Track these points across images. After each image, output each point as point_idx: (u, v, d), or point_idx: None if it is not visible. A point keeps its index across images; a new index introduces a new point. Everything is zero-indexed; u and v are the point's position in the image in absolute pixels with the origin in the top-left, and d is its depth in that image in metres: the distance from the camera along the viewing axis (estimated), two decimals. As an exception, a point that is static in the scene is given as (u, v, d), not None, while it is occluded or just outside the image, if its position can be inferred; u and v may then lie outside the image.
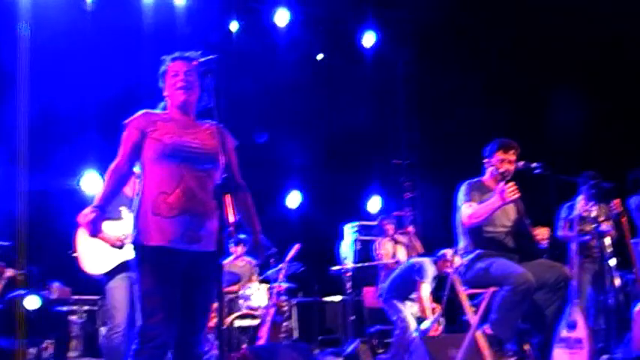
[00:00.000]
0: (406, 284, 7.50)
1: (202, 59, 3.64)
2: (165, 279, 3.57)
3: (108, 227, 4.88)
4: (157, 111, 3.86)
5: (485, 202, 5.27)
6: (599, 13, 9.58)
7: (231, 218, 3.23)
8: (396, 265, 8.90)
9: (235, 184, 3.74)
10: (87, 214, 3.58)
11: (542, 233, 5.42)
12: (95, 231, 3.63)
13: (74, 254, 5.30)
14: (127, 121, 3.76)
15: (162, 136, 3.66)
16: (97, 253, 5.11)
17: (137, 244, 3.63)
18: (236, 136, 3.95)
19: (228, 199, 3.24)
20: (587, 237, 7.34)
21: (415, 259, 7.85)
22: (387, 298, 7.66)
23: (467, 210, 5.38)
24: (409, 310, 7.56)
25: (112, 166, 3.72)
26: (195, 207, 3.60)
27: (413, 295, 7.56)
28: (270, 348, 6.55)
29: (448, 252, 7.18)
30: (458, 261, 5.95)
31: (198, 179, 3.64)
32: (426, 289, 7.38)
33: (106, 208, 3.71)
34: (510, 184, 5.10)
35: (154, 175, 3.65)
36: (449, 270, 7.11)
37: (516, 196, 5.06)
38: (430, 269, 7.40)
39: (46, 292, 8.01)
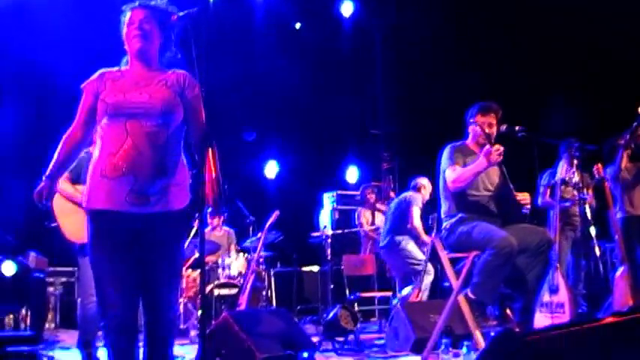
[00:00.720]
0: (402, 216, 8.09)
1: (181, 13, 3.51)
2: (114, 244, 3.39)
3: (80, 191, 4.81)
4: (117, 68, 3.66)
5: (471, 165, 5.22)
6: (599, 13, 9.56)
7: (213, 174, 3.10)
8: (376, 232, 9.01)
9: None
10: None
11: (524, 198, 5.39)
12: (41, 201, 3.53)
13: (53, 225, 5.18)
14: (83, 85, 3.60)
15: (106, 97, 3.48)
16: (77, 221, 4.99)
17: (86, 209, 3.47)
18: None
19: (210, 153, 3.11)
20: (569, 203, 7.35)
21: (401, 195, 8.51)
22: (390, 238, 8.07)
23: (451, 174, 5.32)
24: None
25: (67, 132, 3.59)
26: (142, 166, 3.37)
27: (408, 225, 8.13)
28: (251, 313, 6.48)
29: (420, 179, 8.31)
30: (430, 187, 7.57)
31: (148, 136, 3.40)
32: (416, 212, 8.09)
33: (57, 177, 3.61)
34: (497, 146, 5.05)
35: (103, 136, 3.47)
36: (428, 197, 8.14)
37: (501, 157, 5.02)
38: (417, 197, 8.27)
39: (23, 259, 7.89)
